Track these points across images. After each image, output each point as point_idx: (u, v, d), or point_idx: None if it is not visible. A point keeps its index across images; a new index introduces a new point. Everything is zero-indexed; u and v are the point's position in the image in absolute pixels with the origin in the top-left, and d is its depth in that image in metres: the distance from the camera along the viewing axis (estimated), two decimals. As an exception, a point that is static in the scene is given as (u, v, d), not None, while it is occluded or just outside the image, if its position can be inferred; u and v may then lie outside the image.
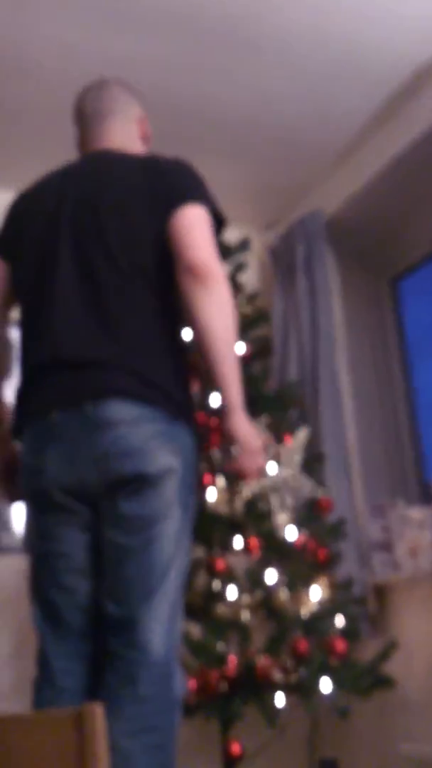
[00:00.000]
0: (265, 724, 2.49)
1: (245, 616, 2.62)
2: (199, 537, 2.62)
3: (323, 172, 3.60)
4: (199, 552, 2.67)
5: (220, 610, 2.60)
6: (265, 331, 3.38)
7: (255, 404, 2.84)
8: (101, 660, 1.77)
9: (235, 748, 2.51)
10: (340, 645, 2.61)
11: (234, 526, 2.71)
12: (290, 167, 3.55)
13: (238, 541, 2.67)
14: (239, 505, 2.73)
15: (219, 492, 2.70)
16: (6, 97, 2.99)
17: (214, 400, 2.56)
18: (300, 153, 3.45)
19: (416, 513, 3.11)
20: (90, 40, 2.76)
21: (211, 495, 2.69)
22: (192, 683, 2.43)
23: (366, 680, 2.67)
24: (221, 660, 2.52)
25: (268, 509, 2.73)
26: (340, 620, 2.73)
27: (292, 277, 3.70)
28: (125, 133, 2.09)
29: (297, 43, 2.82)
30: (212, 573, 2.61)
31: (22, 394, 1.88)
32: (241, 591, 2.64)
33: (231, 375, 1.78)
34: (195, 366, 2.07)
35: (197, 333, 1.79)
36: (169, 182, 1.89)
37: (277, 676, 2.50)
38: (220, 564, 2.60)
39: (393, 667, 2.79)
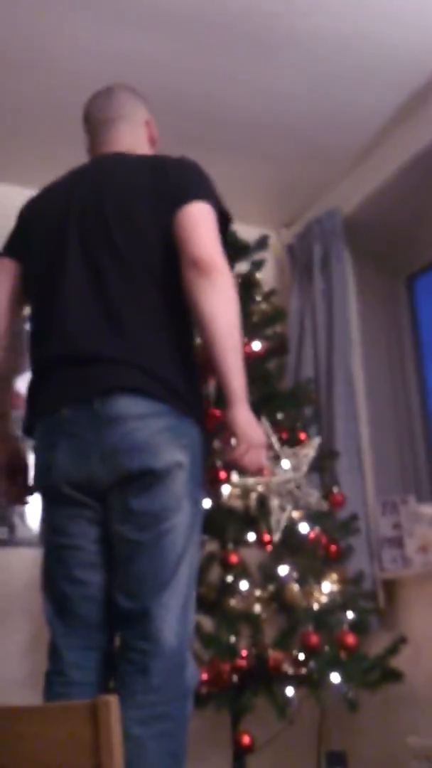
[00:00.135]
0: (275, 716, 2.52)
1: (257, 609, 2.65)
2: (212, 531, 2.67)
3: (341, 172, 3.62)
4: (213, 546, 2.71)
5: (233, 603, 2.63)
6: (282, 328, 3.40)
7: (270, 401, 2.88)
8: (112, 654, 1.80)
9: (246, 738, 2.53)
10: (350, 639, 2.63)
11: (247, 521, 2.74)
12: (308, 167, 3.57)
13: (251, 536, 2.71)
14: (253, 500, 2.77)
15: (233, 487, 2.72)
16: (19, 92, 3.02)
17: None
18: (318, 153, 3.47)
19: (428, 510, 3.14)
20: (108, 41, 2.78)
21: (225, 490, 2.71)
22: (204, 675, 2.46)
23: (374, 674, 2.69)
24: (233, 652, 2.55)
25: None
26: (350, 614, 2.76)
27: (309, 275, 3.73)
28: (133, 137, 2.12)
29: (317, 45, 2.84)
30: (225, 567, 2.65)
31: (33, 391, 1.90)
32: (253, 585, 2.67)
33: (234, 366, 1.77)
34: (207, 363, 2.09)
35: (201, 325, 1.79)
36: (174, 181, 1.91)
37: (288, 668, 2.53)
38: (233, 558, 2.64)
39: (401, 662, 2.81)
